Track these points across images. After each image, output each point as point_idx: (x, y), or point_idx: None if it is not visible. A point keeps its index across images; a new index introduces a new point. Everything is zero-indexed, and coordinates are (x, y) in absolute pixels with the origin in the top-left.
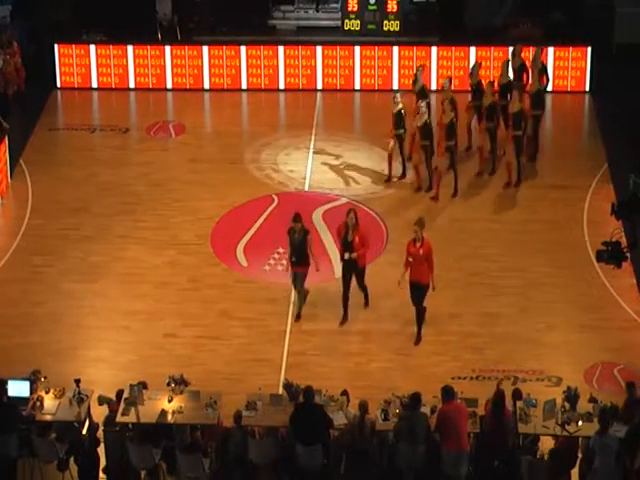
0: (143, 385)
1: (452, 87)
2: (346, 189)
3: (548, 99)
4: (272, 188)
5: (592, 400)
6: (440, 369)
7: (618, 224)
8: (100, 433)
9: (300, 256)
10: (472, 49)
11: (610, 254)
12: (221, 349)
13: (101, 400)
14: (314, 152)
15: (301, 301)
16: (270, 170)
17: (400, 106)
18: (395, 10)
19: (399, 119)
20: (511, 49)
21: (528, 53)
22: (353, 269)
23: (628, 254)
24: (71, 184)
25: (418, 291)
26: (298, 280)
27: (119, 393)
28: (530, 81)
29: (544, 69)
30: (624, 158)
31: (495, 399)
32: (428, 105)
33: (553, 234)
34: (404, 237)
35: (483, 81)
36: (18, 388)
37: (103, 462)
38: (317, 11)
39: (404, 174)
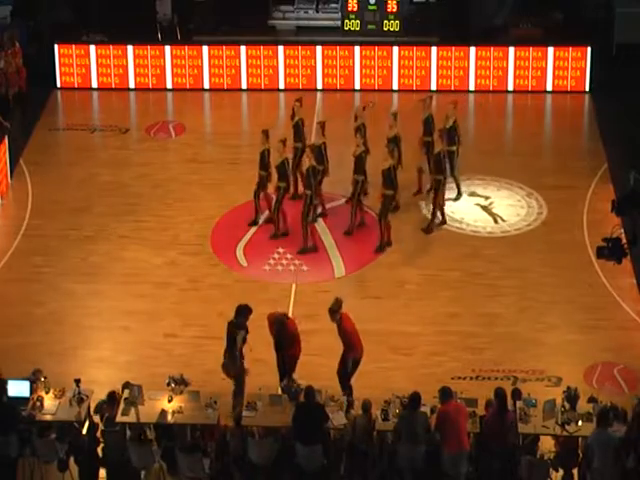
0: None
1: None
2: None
3: (548, 99)
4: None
5: (592, 400)
6: (440, 369)
7: (618, 221)
8: (100, 433)
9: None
10: (472, 49)
11: (610, 250)
12: (221, 349)
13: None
14: (468, 195)
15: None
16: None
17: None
18: (395, 10)
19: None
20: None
21: (528, 53)
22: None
23: (628, 250)
24: (71, 184)
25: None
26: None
27: (110, 396)
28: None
29: (453, 129)
30: (624, 158)
31: (497, 400)
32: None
33: (553, 234)
34: (404, 237)
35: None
36: (18, 388)
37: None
38: (317, 11)
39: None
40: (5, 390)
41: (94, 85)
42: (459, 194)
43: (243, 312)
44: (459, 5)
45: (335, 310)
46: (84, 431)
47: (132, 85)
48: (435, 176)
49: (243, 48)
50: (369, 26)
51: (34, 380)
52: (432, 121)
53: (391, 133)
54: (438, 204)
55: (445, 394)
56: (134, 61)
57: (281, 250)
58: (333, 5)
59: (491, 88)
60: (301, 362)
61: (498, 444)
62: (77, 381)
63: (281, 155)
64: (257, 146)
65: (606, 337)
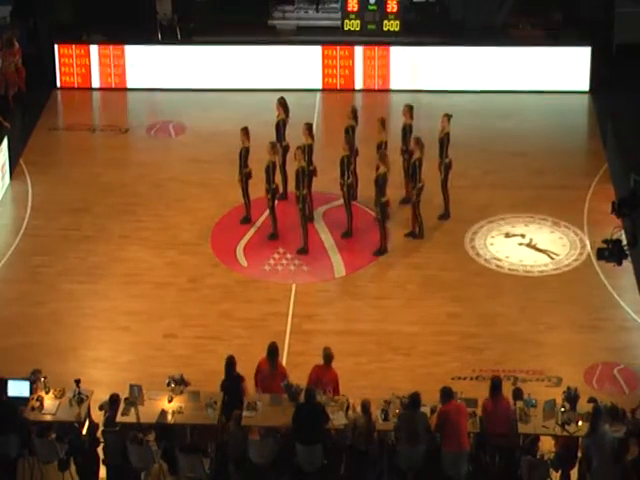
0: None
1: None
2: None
3: (548, 99)
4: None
5: (592, 400)
6: (440, 369)
7: (618, 222)
8: (100, 433)
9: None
10: (472, 49)
11: (610, 252)
12: (221, 349)
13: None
14: (505, 236)
15: None
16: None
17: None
18: (395, 10)
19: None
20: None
21: (528, 53)
22: None
23: (628, 252)
24: (71, 184)
25: None
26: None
27: (113, 398)
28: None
29: (444, 141)
30: (624, 158)
31: (491, 384)
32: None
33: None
34: (401, 238)
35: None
36: (18, 388)
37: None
38: (317, 11)
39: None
40: (5, 390)
41: (94, 85)
42: (446, 213)
43: (232, 362)
44: (457, 5)
45: (328, 359)
46: (84, 431)
47: (132, 85)
48: (410, 183)
49: (243, 48)
50: (369, 26)
51: (34, 380)
52: (408, 130)
53: (380, 139)
54: (417, 212)
55: (446, 394)
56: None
57: (281, 250)
58: (333, 5)
59: (491, 88)
60: (301, 362)
61: (496, 431)
62: (77, 381)
63: (269, 158)
64: (258, 146)
65: (606, 337)
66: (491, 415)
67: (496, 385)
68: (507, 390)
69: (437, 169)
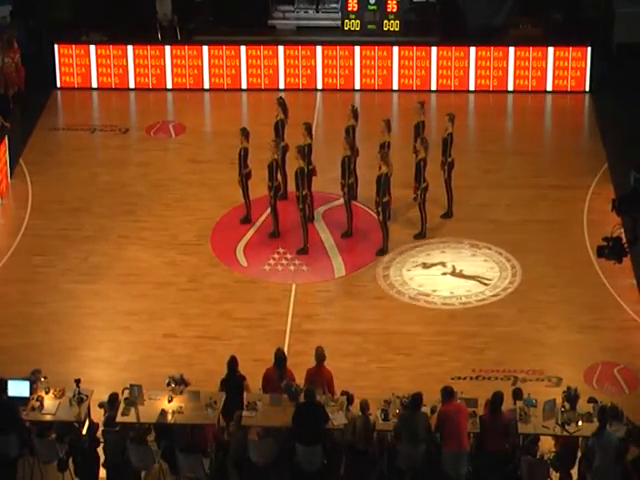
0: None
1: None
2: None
3: (548, 99)
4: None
5: (592, 400)
6: (440, 369)
7: (618, 220)
8: (100, 433)
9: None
10: (472, 49)
11: (610, 250)
12: (221, 349)
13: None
14: (423, 268)
15: None
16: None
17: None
18: (395, 10)
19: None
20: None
21: (528, 53)
22: None
23: (628, 249)
24: (71, 184)
25: None
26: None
27: (112, 398)
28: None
29: (447, 141)
30: (624, 158)
31: (490, 401)
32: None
33: (553, 234)
34: (402, 238)
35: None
36: (18, 388)
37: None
38: (317, 11)
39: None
40: (5, 390)
41: (94, 85)
42: (448, 212)
43: (235, 361)
44: (457, 5)
45: (319, 358)
46: (84, 431)
47: (132, 85)
48: (415, 183)
49: (243, 48)
50: (369, 26)
51: (34, 380)
52: (421, 128)
53: (383, 139)
54: (423, 211)
55: (447, 394)
56: (134, 61)
57: (281, 250)
58: (333, 5)
59: (491, 88)
60: (301, 363)
61: (494, 445)
62: (77, 381)
63: (272, 155)
64: (258, 146)
65: (606, 337)
66: (489, 431)
67: (497, 401)
68: (507, 390)
69: (440, 168)
